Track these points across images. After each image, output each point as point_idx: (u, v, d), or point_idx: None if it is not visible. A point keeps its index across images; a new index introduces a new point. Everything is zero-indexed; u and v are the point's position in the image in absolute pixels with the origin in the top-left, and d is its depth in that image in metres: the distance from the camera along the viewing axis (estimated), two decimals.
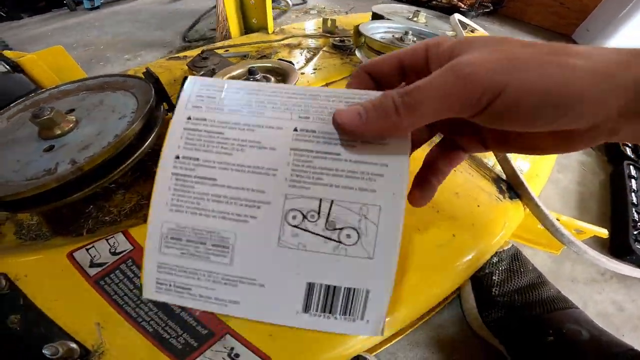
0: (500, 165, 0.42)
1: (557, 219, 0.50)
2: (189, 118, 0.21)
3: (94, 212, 0.41)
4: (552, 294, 0.47)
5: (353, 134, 0.19)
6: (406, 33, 0.65)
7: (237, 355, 0.29)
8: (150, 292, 0.21)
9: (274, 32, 0.96)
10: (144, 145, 0.39)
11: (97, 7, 1.99)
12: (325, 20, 0.94)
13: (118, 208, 0.41)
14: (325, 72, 0.69)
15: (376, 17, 0.93)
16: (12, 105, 0.47)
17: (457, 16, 0.81)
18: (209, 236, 0.20)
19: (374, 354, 0.47)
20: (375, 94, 0.20)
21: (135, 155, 0.38)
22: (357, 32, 0.68)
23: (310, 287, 0.20)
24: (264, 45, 0.84)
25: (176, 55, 0.80)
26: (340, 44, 0.82)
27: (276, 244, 0.20)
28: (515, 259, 0.50)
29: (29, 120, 0.38)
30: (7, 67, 0.56)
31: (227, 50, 0.80)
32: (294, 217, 0.20)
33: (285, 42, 0.87)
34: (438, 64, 0.18)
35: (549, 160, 0.49)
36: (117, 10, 1.91)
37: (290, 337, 0.30)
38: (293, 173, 0.20)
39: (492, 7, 1.75)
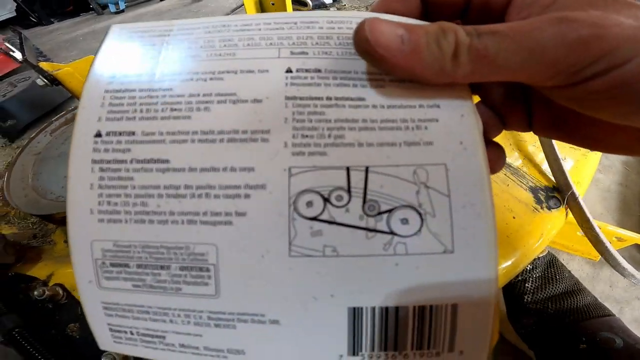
0: (550, 166, 0.40)
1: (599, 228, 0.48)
2: (113, 76, 0.14)
3: None
4: (588, 301, 0.46)
5: (385, 62, 0.12)
6: None
7: None
8: (107, 343, 0.15)
9: None
10: None
11: (122, 11, 2.06)
12: None
13: None
14: None
15: None
16: (54, 119, 0.49)
17: None
18: (173, 255, 0.13)
19: None
20: (418, 23, 0.13)
21: None
22: None
23: (356, 314, 0.13)
24: None
25: None
26: None
27: (286, 252, 0.12)
28: (550, 266, 0.49)
29: None
30: (45, 80, 0.59)
31: None
32: (309, 204, 0.12)
33: None
34: (527, 10, 0.13)
35: (592, 164, 0.47)
36: (141, 13, 1.96)
37: None
38: (296, 133, 0.13)
39: None
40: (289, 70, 0.14)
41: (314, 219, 0.12)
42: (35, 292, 0.34)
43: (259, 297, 0.13)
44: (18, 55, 0.96)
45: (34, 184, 0.40)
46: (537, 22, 0.11)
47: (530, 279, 0.48)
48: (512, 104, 0.17)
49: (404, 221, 0.12)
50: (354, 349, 0.13)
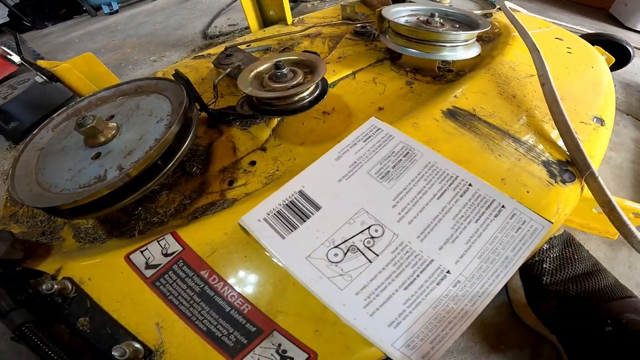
0: (563, 139, 0.39)
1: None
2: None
3: (143, 213, 0.42)
4: (610, 282, 0.44)
5: None
6: (432, 15, 0.62)
7: (284, 351, 0.29)
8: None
9: (293, 23, 0.95)
10: (184, 146, 0.40)
11: (116, 11, 2.04)
12: (344, 7, 0.92)
13: (164, 209, 0.42)
14: (351, 60, 0.68)
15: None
16: (55, 115, 0.48)
17: (507, 3, 0.77)
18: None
19: None
20: None
21: (177, 157, 0.39)
22: (380, 17, 0.66)
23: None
24: (285, 38, 0.83)
25: (200, 54, 0.81)
26: (362, 30, 0.80)
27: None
28: (568, 246, 0.48)
29: (74, 129, 0.39)
30: (44, 77, 0.58)
31: (249, 45, 0.80)
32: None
33: (306, 32, 0.85)
34: None
35: (604, 139, 0.46)
36: (135, 13, 1.94)
37: (336, 333, 0.30)
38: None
39: None
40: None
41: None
42: (44, 286, 0.33)
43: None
44: (15, 58, 0.95)
45: (39, 178, 0.39)
46: None
47: (548, 259, 0.47)
48: None
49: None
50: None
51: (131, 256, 0.34)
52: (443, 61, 0.63)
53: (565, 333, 0.43)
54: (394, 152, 0.36)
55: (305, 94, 0.44)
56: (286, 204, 0.33)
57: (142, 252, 0.34)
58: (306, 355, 0.29)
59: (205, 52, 0.81)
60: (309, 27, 0.87)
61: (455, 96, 0.49)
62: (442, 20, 0.63)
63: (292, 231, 0.31)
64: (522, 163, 0.40)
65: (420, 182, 0.34)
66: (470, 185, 0.34)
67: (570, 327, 0.43)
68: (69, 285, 0.34)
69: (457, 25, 0.64)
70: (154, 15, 1.82)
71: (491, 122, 0.45)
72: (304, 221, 0.32)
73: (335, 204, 0.33)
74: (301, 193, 0.33)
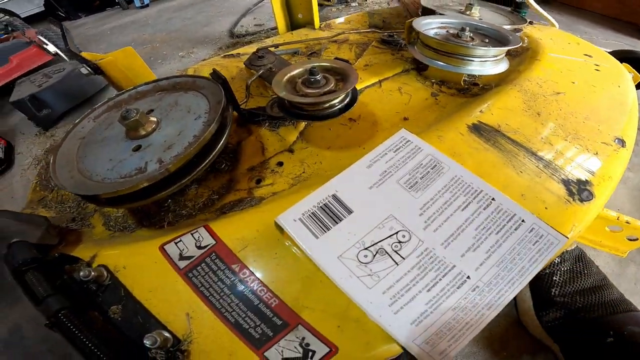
0: None
1: (627, 222, 0.47)
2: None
3: (172, 205, 0.44)
4: (615, 297, 0.46)
5: None
6: (463, 29, 0.63)
7: (307, 344, 0.31)
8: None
9: (320, 27, 0.97)
10: (219, 144, 0.42)
11: (147, 5, 2.10)
12: (371, 15, 0.93)
13: (192, 202, 0.44)
14: (378, 68, 0.69)
15: (426, 11, 0.91)
16: (97, 106, 0.51)
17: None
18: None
19: None
20: None
21: (214, 154, 0.41)
22: (410, 28, 0.67)
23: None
24: (312, 42, 0.85)
25: (230, 52, 0.83)
26: (390, 38, 0.81)
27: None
28: (579, 260, 0.49)
29: (118, 121, 0.41)
30: (89, 69, 0.61)
31: (277, 48, 0.82)
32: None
33: (333, 38, 0.87)
34: None
35: (623, 159, 0.46)
36: (165, 8, 2.00)
37: (357, 329, 0.31)
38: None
39: None
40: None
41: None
42: (81, 273, 0.34)
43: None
44: (51, 47, 0.99)
45: (79, 166, 0.41)
46: None
47: (558, 272, 0.48)
48: None
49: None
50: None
51: (165, 247, 0.36)
52: (469, 75, 0.64)
53: (568, 343, 0.45)
54: (422, 164, 0.38)
55: (336, 101, 0.45)
56: (320, 207, 0.35)
57: (176, 243, 0.36)
58: (327, 349, 0.30)
59: (234, 52, 0.84)
60: (338, 34, 0.88)
61: (480, 111, 0.50)
62: (472, 35, 0.63)
63: (326, 232, 0.33)
64: (542, 180, 0.40)
65: (446, 193, 0.36)
66: (493, 199, 0.35)
67: (573, 337, 0.44)
68: (105, 273, 0.35)
69: (487, 40, 0.65)
70: (183, 11, 1.87)
71: (515, 139, 0.46)
72: (337, 223, 0.34)
73: (366, 209, 0.35)
74: (334, 197, 0.35)
